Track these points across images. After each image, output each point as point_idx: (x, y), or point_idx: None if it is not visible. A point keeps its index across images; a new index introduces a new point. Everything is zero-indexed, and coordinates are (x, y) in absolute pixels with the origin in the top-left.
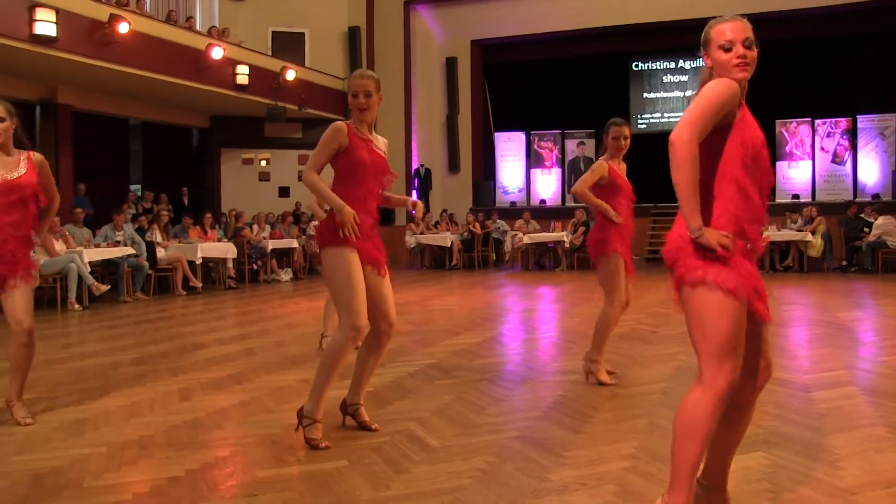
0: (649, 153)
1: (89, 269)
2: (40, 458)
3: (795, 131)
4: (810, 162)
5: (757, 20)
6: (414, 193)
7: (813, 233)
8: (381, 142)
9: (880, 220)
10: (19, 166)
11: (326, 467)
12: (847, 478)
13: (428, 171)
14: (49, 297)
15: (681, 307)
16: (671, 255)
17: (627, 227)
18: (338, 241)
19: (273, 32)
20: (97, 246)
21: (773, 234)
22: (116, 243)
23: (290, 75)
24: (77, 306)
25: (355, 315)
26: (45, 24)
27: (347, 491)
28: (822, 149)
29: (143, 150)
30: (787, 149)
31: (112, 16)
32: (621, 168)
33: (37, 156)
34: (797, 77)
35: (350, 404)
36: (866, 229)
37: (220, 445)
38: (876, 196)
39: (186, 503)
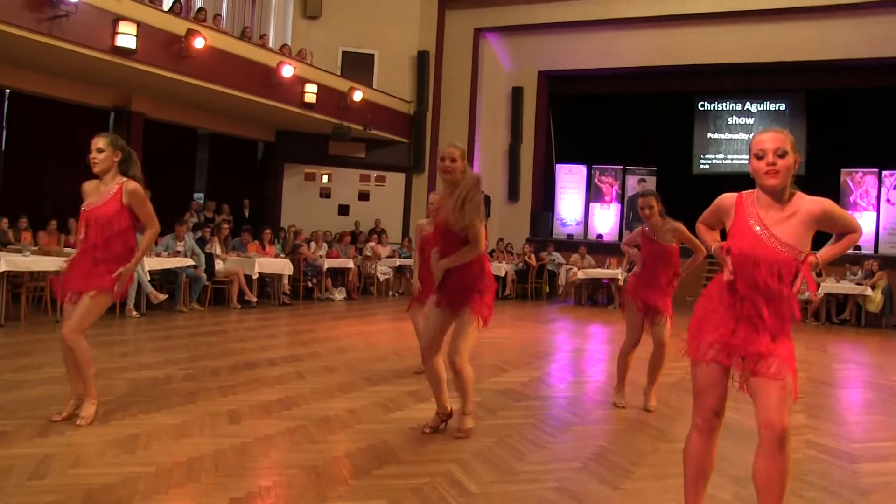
0: (710, 194)
1: (149, 278)
2: (93, 474)
3: (861, 181)
4: (875, 213)
5: (827, 67)
6: None
7: (873, 287)
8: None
9: None
10: (108, 195)
11: None
12: None
13: (488, 199)
14: None
15: None
16: None
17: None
18: None
19: (343, 52)
20: (158, 255)
21: (830, 286)
22: (177, 253)
23: (358, 96)
24: (135, 313)
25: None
26: (127, 36)
27: None
28: (888, 200)
29: (208, 161)
30: (852, 199)
31: (189, 31)
32: (664, 227)
33: (129, 185)
34: (866, 126)
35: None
36: None
37: (265, 475)
38: None
39: None
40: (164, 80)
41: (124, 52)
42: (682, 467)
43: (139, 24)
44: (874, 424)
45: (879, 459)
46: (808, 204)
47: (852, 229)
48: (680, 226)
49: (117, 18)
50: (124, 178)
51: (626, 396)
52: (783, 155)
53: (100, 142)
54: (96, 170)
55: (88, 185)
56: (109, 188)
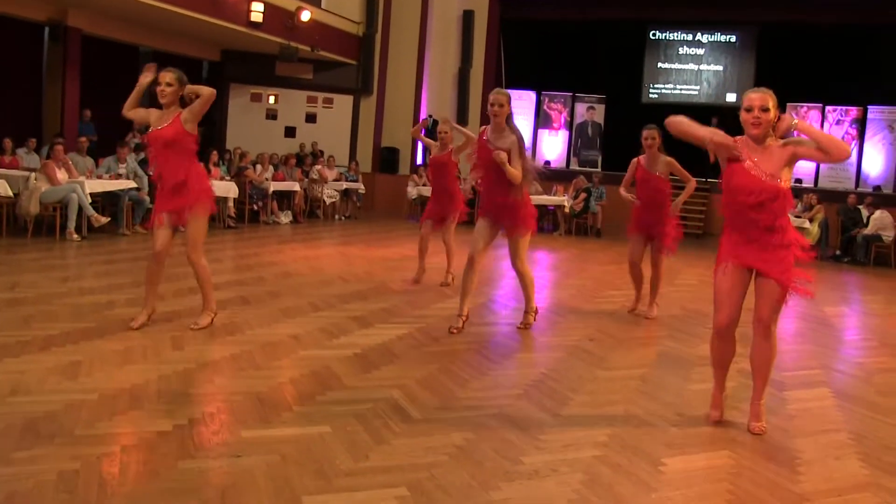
0: (658, 124)
1: (90, 200)
2: (34, 401)
3: (805, 115)
4: None
5: (777, 2)
6: (420, 144)
7: (811, 220)
8: (506, 140)
9: (878, 214)
10: (168, 120)
11: (310, 432)
12: (804, 483)
13: (436, 122)
14: (48, 225)
15: None
16: None
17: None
18: None
19: None
20: (99, 177)
21: None
22: (119, 176)
23: (306, 16)
24: (76, 236)
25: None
26: None
27: (328, 458)
28: None
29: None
30: (795, 133)
31: None
32: (658, 162)
33: (184, 112)
34: (812, 62)
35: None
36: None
37: (209, 401)
38: (877, 188)
39: (173, 459)
40: None
41: None
42: (618, 395)
43: None
44: (803, 353)
45: (804, 387)
46: (780, 147)
47: (819, 138)
48: (673, 160)
49: None
50: (181, 109)
51: (643, 303)
52: (766, 110)
53: (168, 76)
54: (163, 101)
55: (153, 114)
56: (171, 113)
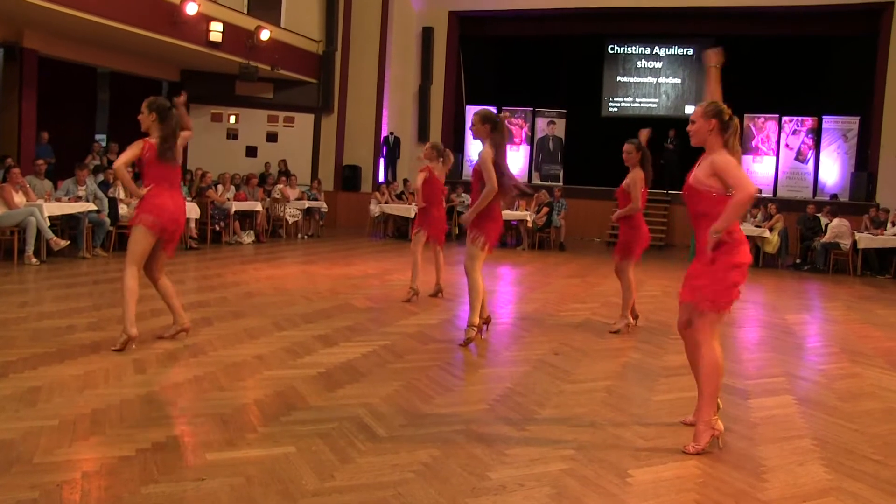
0: (619, 136)
1: (49, 223)
2: None
3: (763, 126)
4: (774, 158)
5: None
6: (382, 161)
7: (771, 229)
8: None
9: (835, 222)
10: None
11: (275, 453)
12: (769, 490)
13: (397, 140)
14: (6, 249)
15: None
16: None
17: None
18: None
19: None
20: (58, 200)
21: None
22: (78, 198)
23: (265, 35)
24: (34, 260)
25: None
26: None
27: (293, 479)
28: (787, 146)
29: (110, 100)
30: (754, 143)
31: None
32: (634, 176)
33: (158, 143)
34: (768, 73)
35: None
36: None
37: (172, 424)
38: (834, 196)
39: (136, 485)
40: (58, 14)
41: None
42: (584, 407)
43: None
44: (766, 361)
45: (768, 394)
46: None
47: (735, 185)
48: (636, 177)
49: None
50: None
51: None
52: (693, 122)
53: (142, 105)
54: (142, 129)
55: (137, 145)
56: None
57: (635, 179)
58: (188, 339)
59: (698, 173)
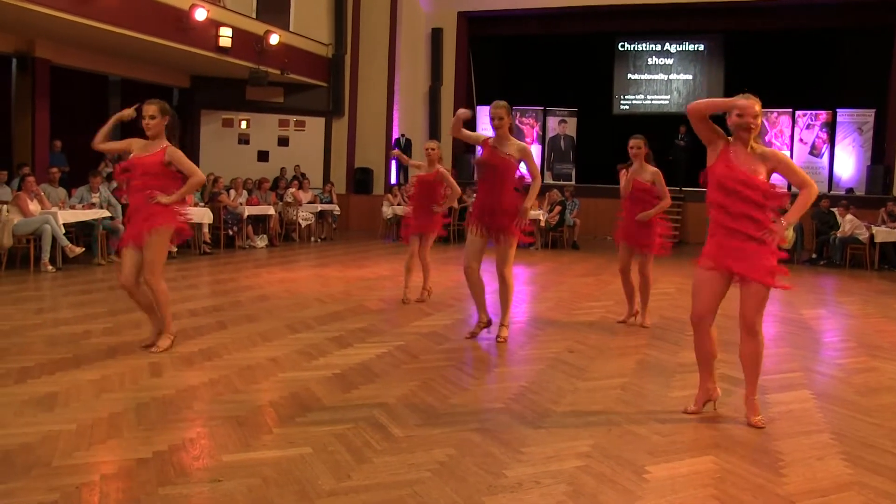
0: (630, 134)
1: (64, 231)
2: (10, 434)
3: (776, 121)
4: (788, 152)
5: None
6: (393, 163)
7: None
8: (512, 147)
9: (848, 217)
10: (152, 151)
11: (291, 454)
12: (788, 485)
13: (409, 142)
14: (22, 256)
15: None
16: None
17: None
18: None
19: None
20: (72, 207)
21: None
22: (92, 205)
23: (274, 39)
24: (50, 267)
25: None
26: None
27: (310, 479)
28: (801, 140)
29: (122, 108)
30: (767, 138)
31: None
32: (645, 171)
33: (170, 149)
34: (781, 67)
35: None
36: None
37: (188, 426)
38: (850, 190)
39: (153, 486)
40: (68, 24)
41: None
42: (599, 404)
43: None
44: (782, 357)
45: (785, 389)
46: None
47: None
48: (658, 172)
49: None
50: (167, 143)
51: (632, 314)
52: (756, 116)
53: (151, 109)
54: (149, 134)
55: (136, 143)
56: (156, 145)
57: (658, 175)
58: (203, 343)
59: (751, 164)
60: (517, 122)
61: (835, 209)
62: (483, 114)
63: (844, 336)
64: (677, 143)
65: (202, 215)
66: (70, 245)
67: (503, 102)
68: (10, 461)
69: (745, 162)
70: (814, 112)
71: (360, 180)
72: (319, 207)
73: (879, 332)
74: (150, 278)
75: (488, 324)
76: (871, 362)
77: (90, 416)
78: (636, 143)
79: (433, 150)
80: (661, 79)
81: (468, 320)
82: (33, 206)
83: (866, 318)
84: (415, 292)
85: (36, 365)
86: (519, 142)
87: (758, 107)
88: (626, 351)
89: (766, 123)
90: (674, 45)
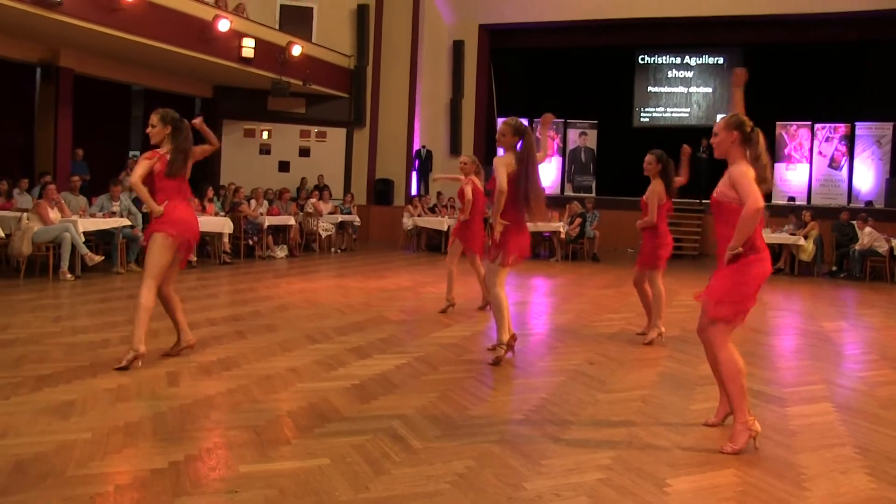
0: (650, 147)
1: (83, 239)
2: (25, 443)
3: (795, 134)
4: (808, 165)
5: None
6: (414, 175)
7: (805, 237)
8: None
9: (867, 230)
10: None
11: (308, 465)
12: (811, 499)
13: (429, 153)
14: (42, 265)
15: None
16: None
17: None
18: None
19: (281, 5)
20: (93, 216)
21: (766, 236)
22: (112, 214)
23: (297, 50)
24: (69, 276)
25: None
26: None
27: (328, 491)
28: (820, 153)
29: (144, 117)
30: (786, 151)
31: None
32: (652, 188)
33: (171, 153)
34: (800, 81)
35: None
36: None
37: (205, 437)
38: (869, 203)
39: (168, 497)
40: (93, 33)
41: (48, 4)
42: (619, 417)
43: None
44: (803, 369)
45: (806, 402)
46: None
47: (743, 197)
48: (655, 187)
49: None
50: (170, 146)
51: (650, 327)
52: (715, 135)
53: (152, 117)
54: (153, 141)
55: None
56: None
57: (652, 191)
58: (222, 352)
59: (721, 186)
60: (537, 133)
61: (854, 222)
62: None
63: (866, 348)
64: (699, 156)
65: (222, 225)
66: (89, 253)
67: (509, 119)
68: (24, 470)
69: (721, 183)
70: (833, 125)
71: (381, 191)
72: (340, 218)
73: None
74: (141, 285)
75: (509, 344)
76: (894, 375)
77: (106, 425)
78: (648, 160)
79: (465, 164)
80: (681, 91)
81: (489, 332)
82: (53, 215)
83: (888, 331)
84: (439, 302)
85: (53, 373)
86: (519, 153)
87: (719, 127)
88: (647, 363)
89: (784, 136)
90: (693, 59)
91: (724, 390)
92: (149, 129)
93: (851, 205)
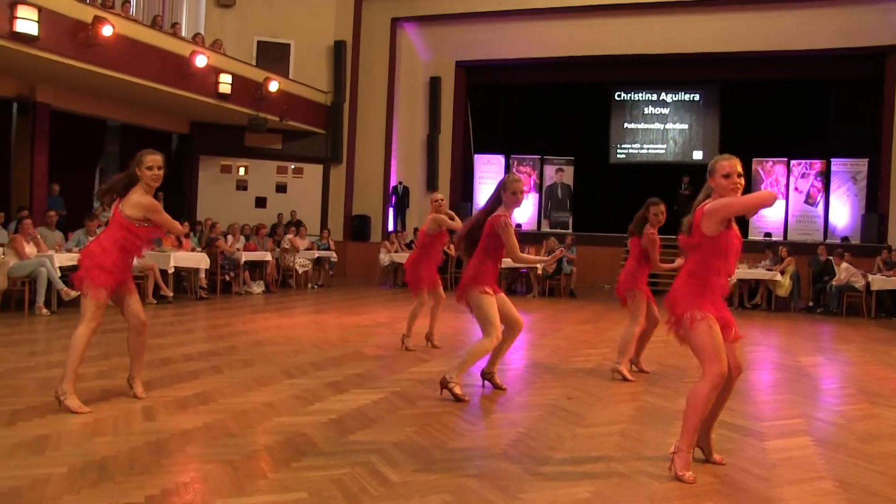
0: (627, 184)
1: (59, 274)
2: None
3: (771, 170)
4: (784, 201)
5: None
6: (391, 211)
7: (782, 273)
8: None
9: (843, 265)
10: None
11: (286, 499)
12: None
13: (406, 189)
14: (17, 298)
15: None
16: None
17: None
18: None
19: (259, 42)
20: (69, 251)
21: (742, 272)
22: None
23: (274, 86)
24: (45, 311)
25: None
26: (27, 22)
27: None
28: (797, 189)
29: (120, 153)
30: (762, 187)
31: (96, 17)
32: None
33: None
34: (776, 118)
35: (488, 372)
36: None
37: (182, 470)
38: (845, 238)
39: None
40: (70, 69)
41: (25, 39)
42: (598, 451)
43: (40, 10)
44: (781, 403)
45: (785, 436)
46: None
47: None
48: (647, 232)
49: (14, 2)
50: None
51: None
52: (741, 176)
53: (160, 160)
54: (157, 185)
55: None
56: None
57: (646, 234)
58: (198, 387)
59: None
60: (514, 169)
61: (831, 257)
62: (480, 162)
63: (843, 383)
64: (681, 193)
65: (199, 260)
66: (66, 288)
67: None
68: None
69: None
70: (808, 161)
71: (358, 227)
72: (317, 254)
73: (879, 380)
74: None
75: (484, 375)
76: (872, 409)
77: (81, 459)
78: (662, 210)
79: (441, 200)
80: (658, 128)
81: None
82: (29, 249)
83: (865, 366)
84: (417, 339)
85: (27, 407)
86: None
87: (739, 166)
88: (625, 398)
89: (761, 172)
90: (669, 95)
91: (703, 426)
92: (157, 174)
93: (828, 240)
